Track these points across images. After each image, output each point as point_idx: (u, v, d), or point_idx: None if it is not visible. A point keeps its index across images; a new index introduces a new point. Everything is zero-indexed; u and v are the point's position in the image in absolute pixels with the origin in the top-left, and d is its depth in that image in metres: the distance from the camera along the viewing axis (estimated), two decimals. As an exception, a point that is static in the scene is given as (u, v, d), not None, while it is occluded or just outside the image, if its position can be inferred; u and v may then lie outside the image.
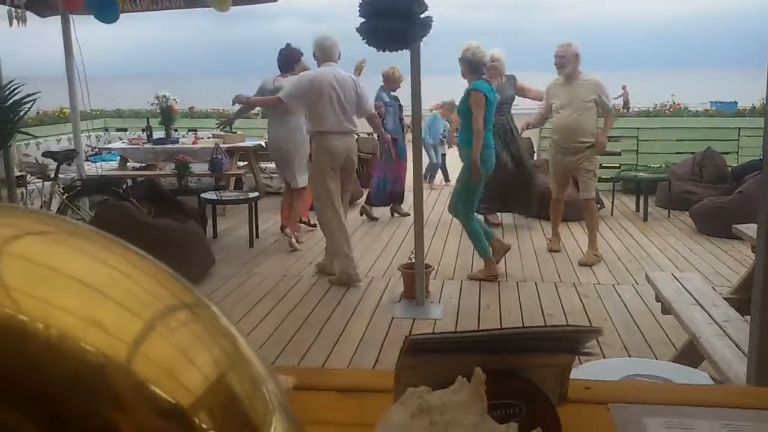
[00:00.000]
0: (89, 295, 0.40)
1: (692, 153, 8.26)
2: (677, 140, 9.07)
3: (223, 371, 0.41)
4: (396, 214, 7.61)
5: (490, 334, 0.76)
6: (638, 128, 9.15)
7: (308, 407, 0.87)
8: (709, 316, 3.10)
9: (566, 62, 5.53)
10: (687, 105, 9.83)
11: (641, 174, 8.00)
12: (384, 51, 4.32)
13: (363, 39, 4.27)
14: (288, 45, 6.21)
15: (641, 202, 7.55)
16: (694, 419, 0.85)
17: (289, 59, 6.12)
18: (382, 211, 7.60)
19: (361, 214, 7.53)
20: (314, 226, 6.38)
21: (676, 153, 8.87)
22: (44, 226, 0.44)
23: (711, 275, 5.14)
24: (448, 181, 9.59)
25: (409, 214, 6.91)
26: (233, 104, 5.82)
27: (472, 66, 5.06)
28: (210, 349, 0.42)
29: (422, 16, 4.23)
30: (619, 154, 9.18)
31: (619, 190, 8.42)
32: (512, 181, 6.69)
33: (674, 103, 9.65)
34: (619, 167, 8.88)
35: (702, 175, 7.81)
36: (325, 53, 5.23)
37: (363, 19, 4.23)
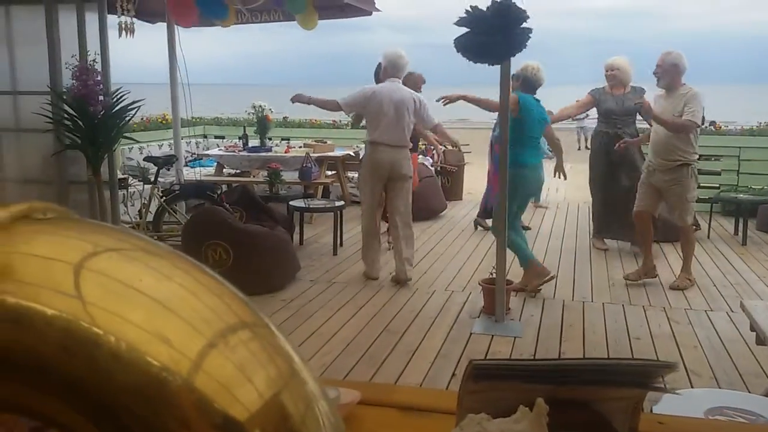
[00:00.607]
0: (158, 310, 0.42)
1: (799, 175, 7.82)
2: (783, 161, 8.59)
3: (278, 390, 0.42)
4: (480, 227, 7.56)
5: (555, 364, 0.75)
6: (740, 147, 8.72)
7: (371, 423, 0.89)
8: (809, 350, 2.92)
9: (663, 72, 5.24)
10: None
11: (741, 195, 7.63)
12: (476, 63, 4.29)
13: (458, 51, 4.25)
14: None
15: (740, 225, 7.18)
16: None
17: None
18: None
19: (475, 227, 7.60)
20: None
21: (782, 174, 8.42)
22: (120, 243, 0.46)
23: (815, 306, 4.84)
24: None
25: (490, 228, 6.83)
26: (293, 103, 6.01)
27: (528, 84, 5.13)
28: (266, 367, 0.43)
29: (522, 27, 4.12)
30: (718, 173, 8.79)
31: (718, 211, 8.04)
32: (621, 201, 6.19)
33: (781, 121, 9.15)
34: (718, 187, 8.50)
35: (809, 198, 7.38)
36: (394, 69, 5.44)
37: (460, 31, 4.20)
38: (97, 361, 0.38)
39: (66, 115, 4.89)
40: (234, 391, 0.41)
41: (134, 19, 6.55)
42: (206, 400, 0.39)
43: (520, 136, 4.83)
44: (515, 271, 5.71)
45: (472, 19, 4.09)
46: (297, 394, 0.44)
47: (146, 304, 0.42)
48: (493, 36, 4.03)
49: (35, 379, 0.39)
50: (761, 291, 5.36)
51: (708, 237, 7.18)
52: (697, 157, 5.32)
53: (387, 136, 5.30)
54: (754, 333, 3.39)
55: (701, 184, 8.72)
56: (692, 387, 3.51)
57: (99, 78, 4.95)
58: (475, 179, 10.13)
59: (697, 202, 6.03)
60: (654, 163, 5.33)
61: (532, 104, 5.09)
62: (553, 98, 7.32)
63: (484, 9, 4.03)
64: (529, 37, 4.14)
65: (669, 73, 5.23)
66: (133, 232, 0.50)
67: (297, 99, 5.82)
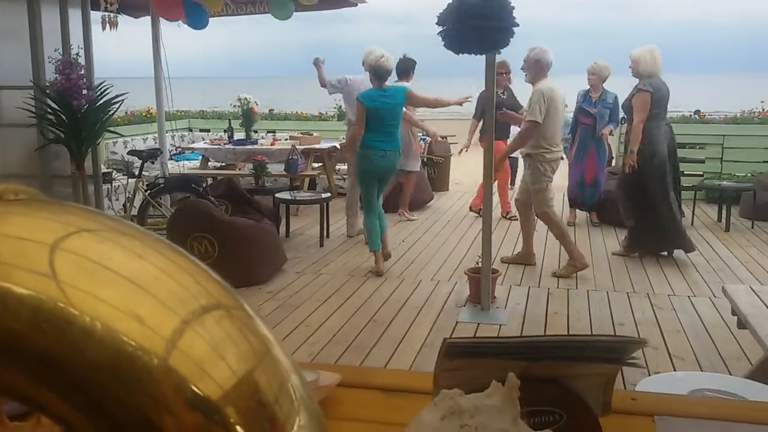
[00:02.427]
0: (130, 289, 0.43)
1: (781, 162, 7.91)
2: (765, 148, 8.67)
3: (251, 368, 0.43)
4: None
5: (529, 341, 0.77)
6: (724, 135, 8.79)
7: (352, 405, 0.90)
8: (788, 332, 2.96)
9: (527, 68, 5.38)
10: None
11: (725, 183, 7.69)
12: (461, 54, 4.30)
13: (443, 42, 4.25)
14: (404, 55, 6.92)
15: (724, 211, 7.26)
16: (742, 436, 0.83)
17: (406, 67, 6.92)
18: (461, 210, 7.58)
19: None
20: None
21: (764, 162, 8.50)
22: (93, 223, 0.47)
23: (796, 290, 4.91)
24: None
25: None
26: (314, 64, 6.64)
27: (375, 74, 5.45)
28: (240, 346, 0.44)
29: (508, 18, 4.14)
30: (702, 161, 8.87)
31: (702, 199, 8.13)
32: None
33: (764, 109, 9.22)
34: (702, 175, 8.58)
35: (791, 185, 7.45)
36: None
37: (444, 22, 4.21)
38: (69, 338, 0.39)
39: (49, 110, 4.86)
40: (207, 369, 0.41)
41: (118, 14, 6.53)
42: (179, 378, 0.40)
43: (369, 122, 5.37)
44: (501, 262, 5.77)
45: (456, 10, 4.09)
46: (270, 374, 0.44)
47: (119, 282, 0.43)
48: (479, 27, 4.04)
49: (6, 356, 0.39)
50: (744, 276, 5.42)
51: (692, 224, 7.25)
52: (546, 150, 5.30)
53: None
54: (736, 317, 3.43)
55: (685, 172, 8.84)
56: (675, 370, 3.56)
57: (82, 72, 4.92)
58: (462, 170, 10.16)
59: (682, 190, 6.12)
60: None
61: (377, 98, 5.39)
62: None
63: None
64: (514, 29, 4.15)
65: (532, 69, 5.37)
66: (107, 214, 0.50)
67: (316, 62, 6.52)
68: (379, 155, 5.41)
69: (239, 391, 0.42)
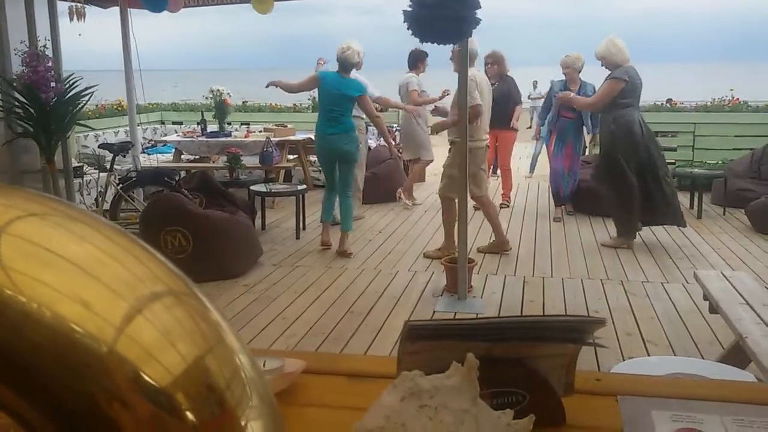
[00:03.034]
0: (77, 274, 0.42)
1: (751, 149, 8.01)
2: (736, 136, 8.79)
3: (201, 354, 0.43)
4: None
5: (490, 322, 0.77)
6: (695, 123, 8.90)
7: (317, 391, 0.90)
8: (758, 316, 3.01)
9: (453, 58, 5.33)
10: (747, 100, 9.50)
11: (697, 170, 7.79)
12: (428, 43, 4.30)
13: (410, 30, 4.25)
14: (416, 48, 7.12)
15: (696, 199, 7.35)
16: (704, 413, 0.84)
17: (416, 58, 7.28)
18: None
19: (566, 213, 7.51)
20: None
21: (734, 149, 8.62)
22: (44, 209, 0.46)
23: (766, 275, 4.99)
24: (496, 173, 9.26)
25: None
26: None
27: (340, 64, 5.73)
28: (190, 333, 0.43)
29: (469, 8, 4.16)
30: (674, 149, 8.97)
31: (674, 186, 8.23)
32: None
33: (733, 97, 9.34)
34: (674, 163, 8.67)
35: (760, 172, 7.57)
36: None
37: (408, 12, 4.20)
38: (7, 319, 0.38)
39: (17, 103, 4.78)
40: (156, 354, 0.41)
41: (85, 4, 6.42)
42: (126, 362, 0.39)
43: (319, 108, 5.81)
44: (477, 252, 5.80)
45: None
46: (222, 361, 0.44)
47: (65, 268, 0.42)
48: (438, 17, 4.03)
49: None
50: (715, 262, 5.50)
51: (664, 211, 7.33)
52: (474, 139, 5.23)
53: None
54: (708, 302, 3.48)
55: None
56: (649, 355, 3.61)
57: (50, 64, 4.84)
58: (439, 161, 10.16)
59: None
60: None
61: (331, 81, 5.70)
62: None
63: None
64: (478, 17, 4.16)
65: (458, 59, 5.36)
66: (55, 198, 0.49)
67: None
68: (320, 137, 5.78)
69: (189, 378, 0.41)
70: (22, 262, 0.41)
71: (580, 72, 7.01)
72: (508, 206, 7.75)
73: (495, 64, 7.15)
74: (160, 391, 0.40)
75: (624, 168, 5.66)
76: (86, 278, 0.42)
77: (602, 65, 5.79)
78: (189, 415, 0.40)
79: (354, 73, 5.91)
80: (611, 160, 5.70)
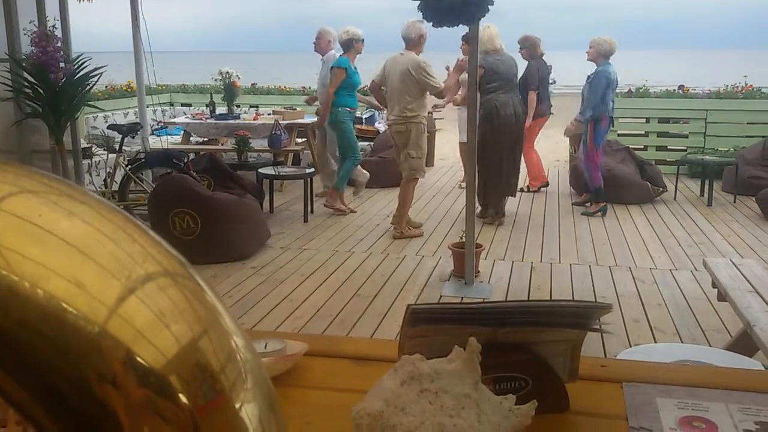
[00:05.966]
0: (69, 252, 0.41)
1: (763, 137, 7.94)
2: (748, 123, 8.70)
3: (196, 337, 0.42)
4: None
5: (493, 307, 0.76)
6: (707, 110, 8.81)
7: (321, 373, 0.89)
8: (767, 304, 3.00)
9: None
10: (760, 87, 9.39)
11: (708, 157, 7.72)
12: (441, 27, 4.27)
13: (422, 14, 4.22)
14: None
15: (706, 186, 7.30)
16: (709, 401, 0.83)
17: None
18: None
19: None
20: None
21: (746, 136, 8.52)
22: (40, 186, 0.45)
23: (776, 263, 4.96)
24: None
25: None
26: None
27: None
28: (185, 315, 0.43)
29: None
30: (685, 136, 8.90)
31: (685, 173, 8.17)
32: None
33: (746, 84, 9.23)
34: (685, 150, 8.60)
35: (772, 159, 7.51)
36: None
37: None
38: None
39: (26, 83, 4.78)
40: (149, 335, 0.40)
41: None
42: (119, 343, 0.39)
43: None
44: (485, 236, 5.79)
45: None
46: (217, 343, 0.43)
47: (58, 245, 0.41)
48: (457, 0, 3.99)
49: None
50: (725, 250, 5.47)
51: (675, 198, 7.29)
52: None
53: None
54: (716, 290, 3.46)
55: (669, 147, 8.87)
56: (656, 343, 3.59)
57: (59, 44, 4.83)
58: (447, 146, 10.14)
59: (664, 164, 6.15)
60: None
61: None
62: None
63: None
64: (491, 1, 4.11)
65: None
66: (54, 176, 0.49)
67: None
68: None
69: (183, 360, 0.40)
70: (11, 238, 0.40)
71: (604, 56, 6.68)
72: (538, 191, 7.70)
73: (524, 48, 7.20)
74: (153, 373, 0.39)
75: (491, 149, 6.04)
76: (79, 256, 0.41)
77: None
78: (182, 397, 0.40)
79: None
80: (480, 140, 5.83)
